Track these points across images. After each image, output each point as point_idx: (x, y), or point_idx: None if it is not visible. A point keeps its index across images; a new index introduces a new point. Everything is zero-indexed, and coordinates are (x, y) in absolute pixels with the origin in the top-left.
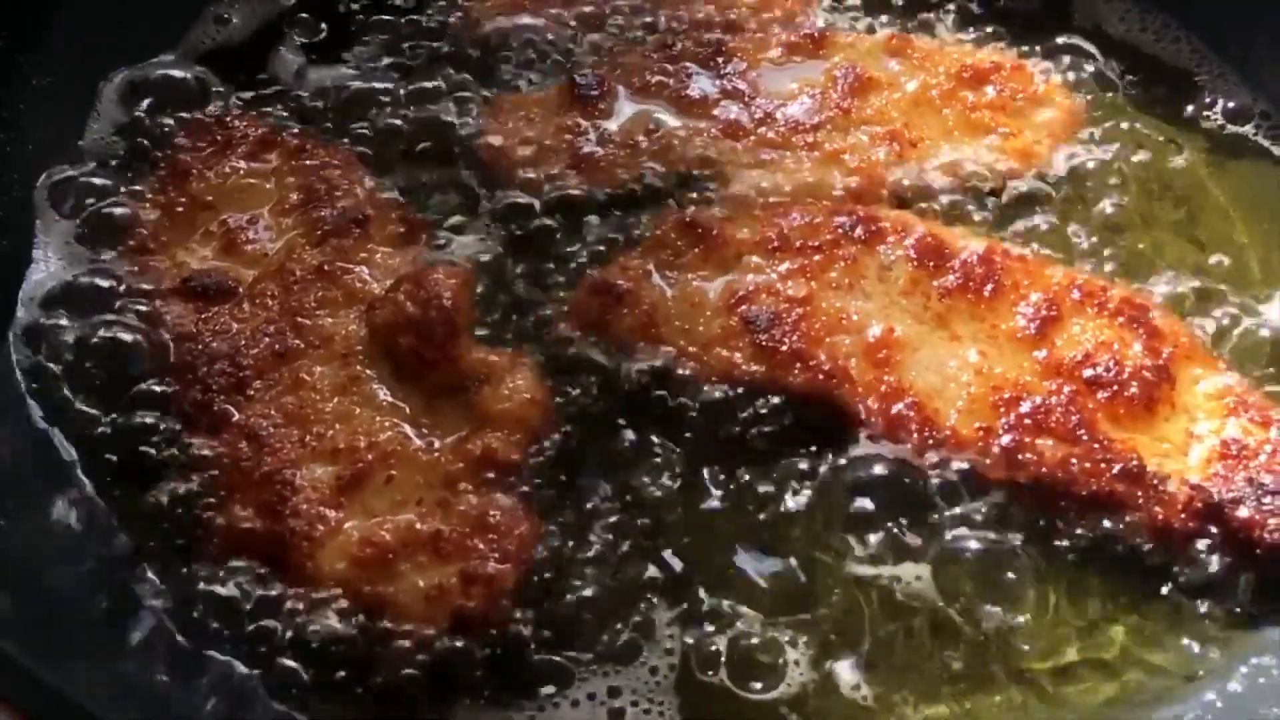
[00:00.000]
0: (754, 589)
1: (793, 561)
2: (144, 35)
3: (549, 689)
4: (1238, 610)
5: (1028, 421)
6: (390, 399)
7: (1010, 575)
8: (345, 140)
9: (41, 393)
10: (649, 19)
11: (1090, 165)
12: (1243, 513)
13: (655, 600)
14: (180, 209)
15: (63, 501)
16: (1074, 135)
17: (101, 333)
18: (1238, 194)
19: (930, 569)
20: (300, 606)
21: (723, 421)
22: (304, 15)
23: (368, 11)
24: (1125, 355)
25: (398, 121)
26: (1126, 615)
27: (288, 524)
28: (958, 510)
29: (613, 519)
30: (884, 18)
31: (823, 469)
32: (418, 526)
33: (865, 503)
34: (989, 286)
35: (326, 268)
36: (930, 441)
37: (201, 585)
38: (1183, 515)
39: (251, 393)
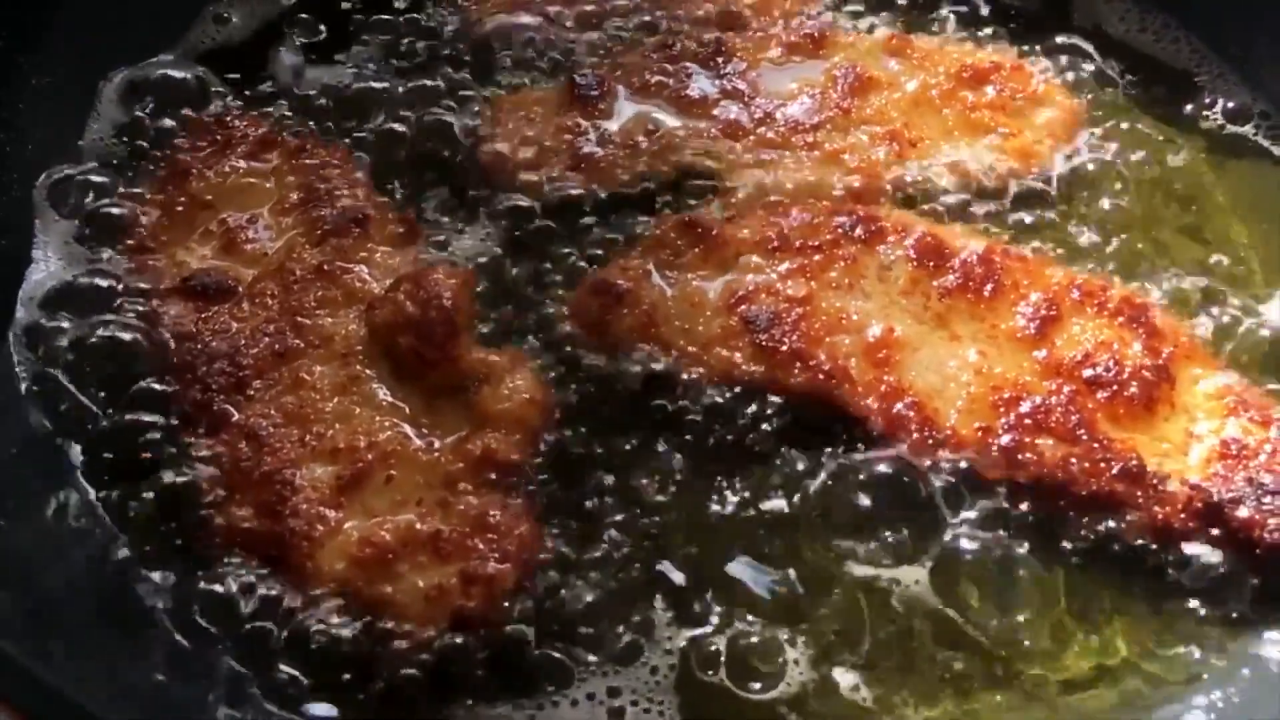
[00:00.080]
0: (753, 589)
1: (792, 562)
2: (144, 35)
3: (549, 688)
4: (1239, 613)
5: (1028, 421)
6: (390, 399)
7: (1010, 576)
8: (345, 140)
9: (41, 393)
10: (649, 19)
11: (1090, 165)
12: (1243, 512)
13: (655, 600)
14: (180, 208)
15: (62, 501)
16: (1074, 135)
17: (101, 332)
18: (1237, 194)
19: (930, 570)
20: (300, 606)
21: (723, 421)
22: (304, 15)
23: (367, 11)
24: (1125, 355)
25: (398, 121)
26: (1127, 617)
27: (287, 524)
28: (958, 511)
29: (612, 519)
30: (884, 15)
31: (823, 469)
32: (418, 526)
33: (865, 503)
34: (989, 286)
35: (326, 267)
36: (930, 441)
37: (201, 585)
38: (1183, 515)
39: (251, 392)
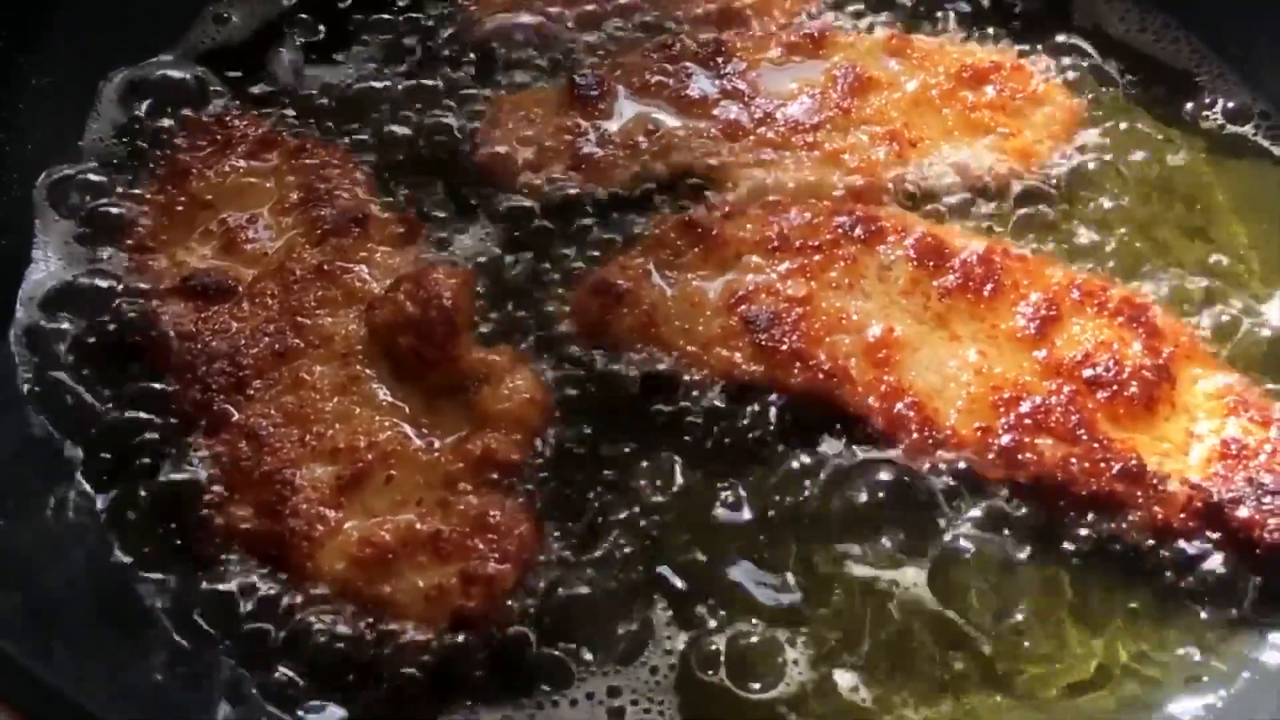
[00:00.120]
0: (753, 590)
1: (792, 562)
2: (144, 35)
3: (549, 688)
4: (1239, 614)
5: (1027, 421)
6: (390, 399)
7: (1010, 577)
8: (345, 140)
9: (41, 392)
10: (649, 19)
11: (1090, 165)
12: (1243, 512)
13: (655, 600)
14: (180, 208)
15: (62, 501)
16: (1074, 135)
17: (101, 332)
18: (1237, 194)
19: (930, 570)
20: (300, 606)
21: (722, 422)
22: (304, 15)
23: (367, 11)
24: (1125, 355)
25: (398, 121)
26: (1127, 618)
27: (287, 524)
28: (958, 511)
29: (612, 518)
30: (884, 15)
31: (823, 470)
32: (418, 526)
33: (865, 503)
34: (989, 286)
35: (326, 267)
36: (930, 441)
37: (201, 585)
38: (1183, 515)
39: (251, 392)
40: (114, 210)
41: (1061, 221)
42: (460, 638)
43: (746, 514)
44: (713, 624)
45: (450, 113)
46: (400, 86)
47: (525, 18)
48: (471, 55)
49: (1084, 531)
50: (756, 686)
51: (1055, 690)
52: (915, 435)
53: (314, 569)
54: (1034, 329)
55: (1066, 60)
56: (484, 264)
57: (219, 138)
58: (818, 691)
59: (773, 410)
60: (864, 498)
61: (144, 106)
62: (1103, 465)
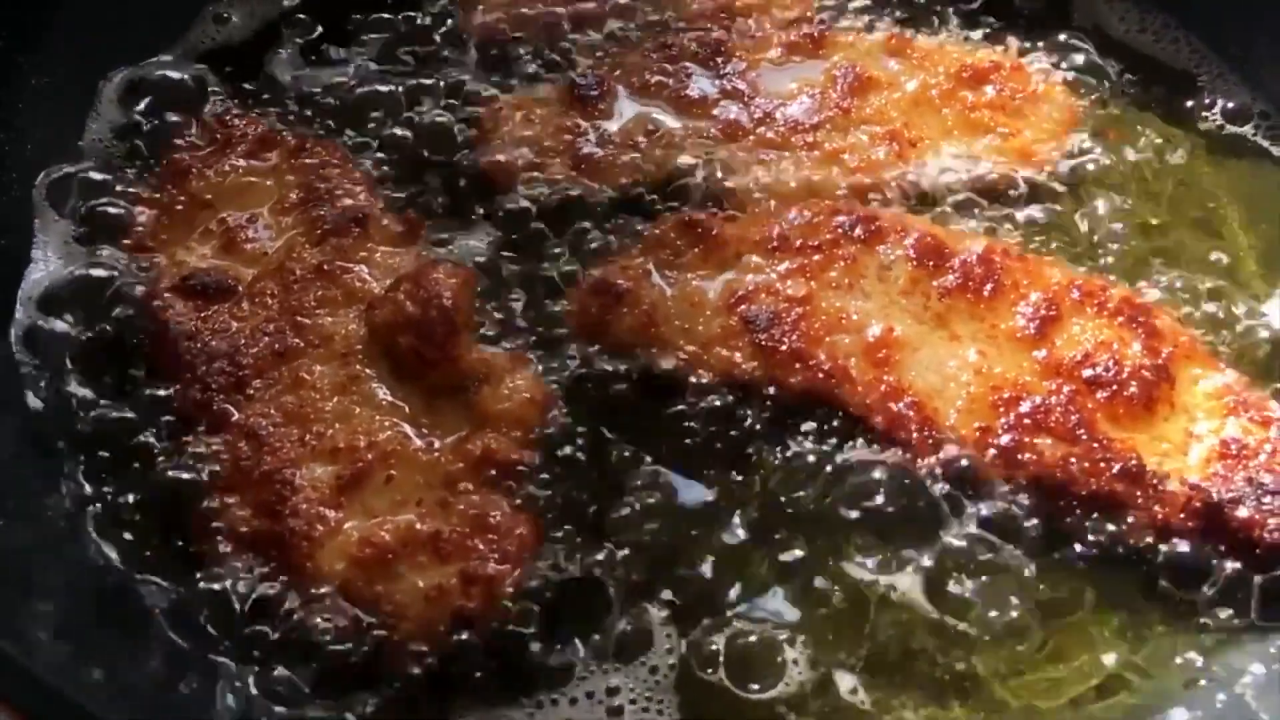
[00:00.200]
0: (753, 589)
1: (792, 563)
2: (143, 35)
3: (549, 688)
4: (1240, 615)
5: (1027, 421)
6: (390, 399)
7: (1009, 577)
8: (345, 140)
9: (40, 392)
10: (649, 19)
11: (1089, 165)
12: (1242, 512)
13: (654, 600)
14: (179, 208)
15: (62, 501)
16: (1073, 135)
17: (100, 332)
18: (1237, 194)
19: (929, 571)
20: (299, 606)
21: (722, 421)
22: (303, 16)
23: (366, 11)
24: (1125, 355)
25: (397, 121)
26: (1126, 619)
27: (287, 524)
28: (957, 512)
29: (612, 518)
30: (884, 14)
31: (822, 470)
32: (417, 527)
33: (865, 503)
34: (988, 286)
35: (326, 267)
36: (930, 441)
37: (201, 585)
38: (1182, 515)
39: (251, 392)
40: (113, 210)
41: (1061, 221)
42: (460, 638)
43: (746, 514)
44: (712, 624)
45: (450, 112)
46: (400, 86)
47: (524, 18)
48: (471, 55)
49: (1083, 532)
50: (756, 686)
51: (1055, 693)
52: (915, 435)
53: (314, 569)
54: (1034, 329)
55: (1066, 60)
56: (484, 264)
57: (219, 137)
58: (817, 692)
59: (772, 410)
60: (864, 498)
61: (144, 106)
62: (1102, 465)
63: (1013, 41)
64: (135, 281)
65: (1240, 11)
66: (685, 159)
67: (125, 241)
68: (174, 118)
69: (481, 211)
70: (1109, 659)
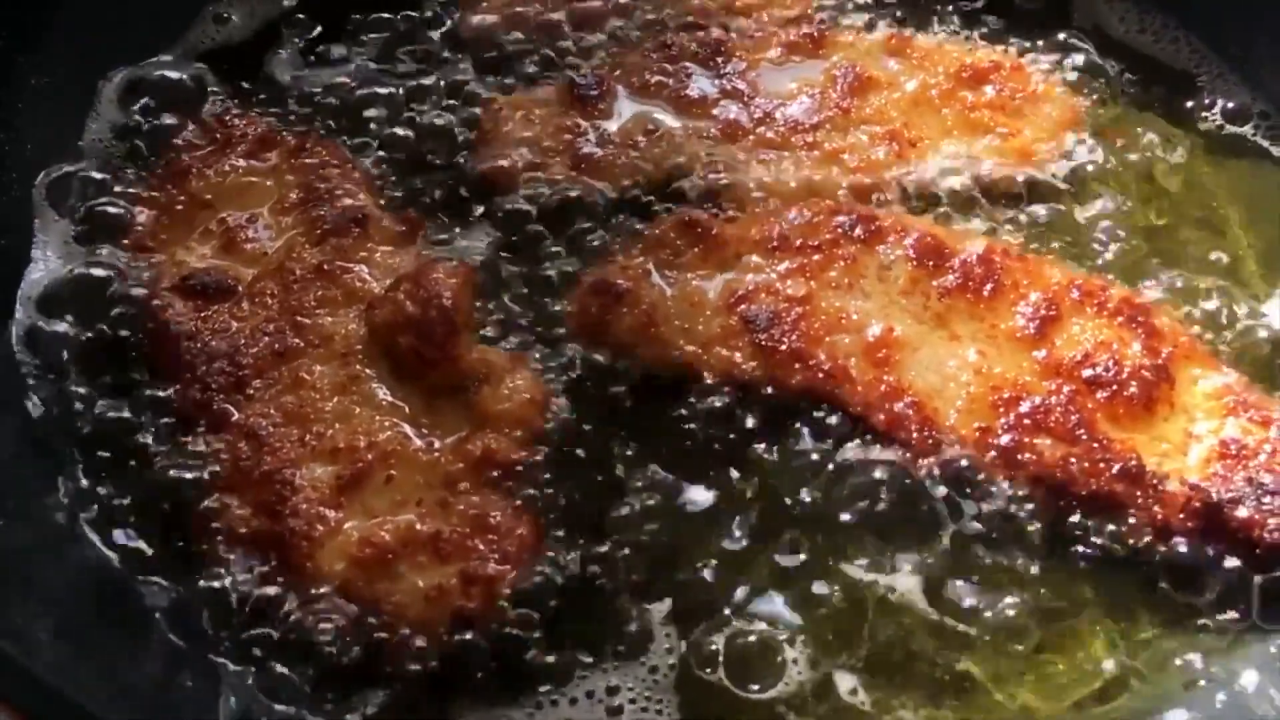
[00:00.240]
0: (752, 589)
1: (791, 563)
2: (143, 35)
3: (548, 687)
4: (1239, 616)
5: (1027, 421)
6: (390, 399)
7: (1009, 579)
8: (345, 140)
9: (40, 392)
10: (649, 19)
11: (1089, 165)
12: (1242, 513)
13: (654, 599)
14: (179, 207)
15: (61, 501)
16: (1073, 135)
17: (100, 331)
18: (1236, 194)
19: (928, 571)
20: (299, 606)
21: (722, 421)
22: (302, 15)
23: (366, 11)
24: (1124, 355)
25: (397, 121)
26: (1127, 620)
27: (287, 524)
28: (957, 512)
29: (612, 518)
30: (884, 14)
31: (822, 470)
32: (417, 527)
33: (865, 503)
34: (988, 286)
35: (326, 267)
36: (930, 441)
37: (201, 585)
38: (1182, 515)
39: (251, 392)
40: (113, 210)
41: (1061, 221)
42: (460, 638)
43: (746, 514)
44: (712, 624)
45: (450, 112)
46: (400, 86)
47: (524, 17)
48: (471, 54)
49: (1083, 532)
50: (755, 686)
51: (1054, 694)
52: (915, 435)
53: (314, 569)
54: (1033, 329)
55: (1066, 60)
56: (484, 264)
57: (218, 137)
58: (817, 692)
59: (772, 410)
60: (863, 498)
61: (143, 106)
62: (1102, 465)
63: (1012, 41)
64: (135, 281)
65: (1240, 11)
66: (685, 159)
67: (125, 241)
68: (173, 118)
69: (481, 211)
70: (1108, 660)
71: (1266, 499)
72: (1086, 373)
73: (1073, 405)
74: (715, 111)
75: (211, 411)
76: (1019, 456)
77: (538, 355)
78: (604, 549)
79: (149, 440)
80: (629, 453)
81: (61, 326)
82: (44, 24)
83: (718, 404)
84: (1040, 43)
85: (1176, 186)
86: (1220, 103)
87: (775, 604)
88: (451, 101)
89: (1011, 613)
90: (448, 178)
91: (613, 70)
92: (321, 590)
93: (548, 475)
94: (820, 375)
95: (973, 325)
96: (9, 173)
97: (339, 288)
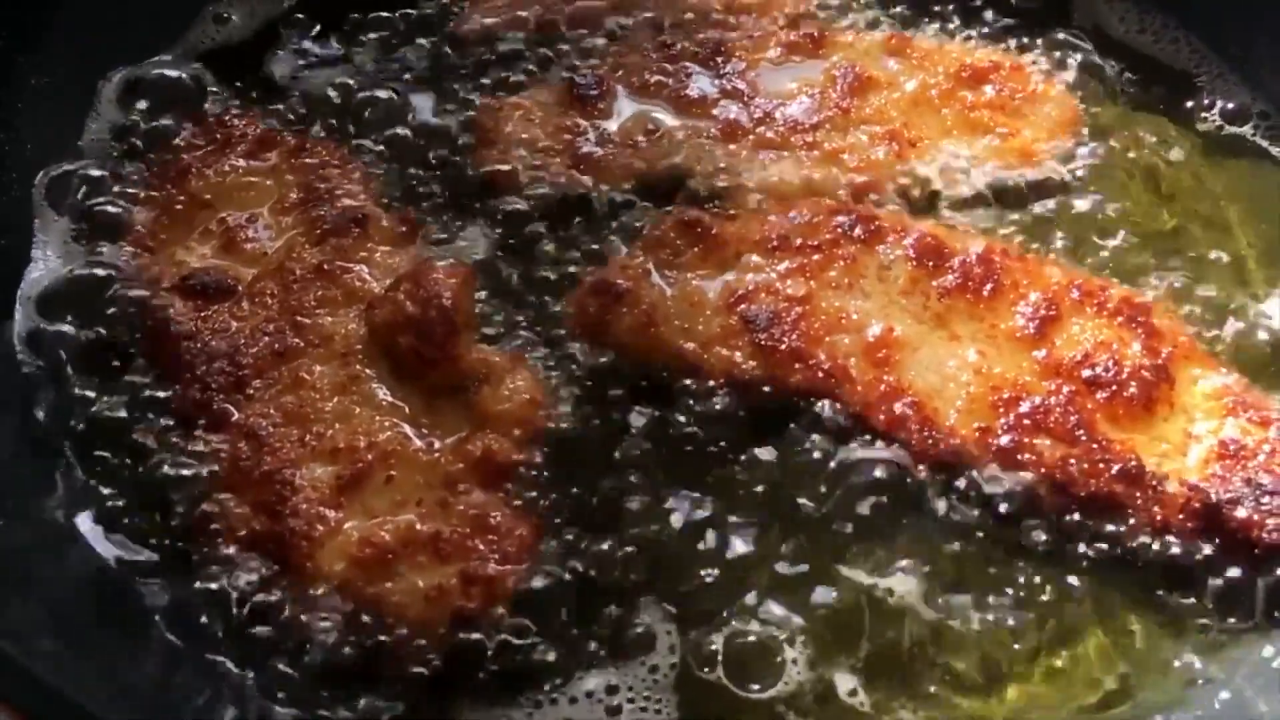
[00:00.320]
0: (752, 589)
1: (790, 563)
2: (143, 35)
3: (548, 687)
4: (1238, 616)
5: (1026, 421)
6: (390, 399)
7: (1008, 579)
8: (344, 139)
9: (40, 391)
10: (648, 18)
11: (1089, 165)
12: (1241, 513)
13: (654, 599)
14: (179, 207)
15: (61, 501)
16: (1072, 135)
17: (100, 331)
18: (1236, 194)
19: (927, 572)
20: (299, 606)
21: (722, 421)
22: (302, 15)
23: (366, 11)
24: (1124, 355)
25: (397, 120)
26: (1125, 619)
27: (287, 524)
28: (957, 512)
29: (611, 518)
30: (884, 14)
31: (823, 469)
32: (417, 527)
33: (864, 503)
34: (988, 286)
35: (326, 267)
36: (929, 441)
37: (200, 585)
38: (1181, 516)
39: (251, 392)
40: (113, 209)
41: (1060, 221)
42: (460, 637)
43: (746, 514)
44: (712, 623)
45: (449, 112)
46: (400, 85)
47: (524, 17)
48: (471, 54)
49: (1083, 534)
50: (755, 686)
51: (1054, 692)
52: (915, 435)
53: (314, 569)
54: (1033, 329)
55: (1066, 60)
56: (484, 264)
57: (218, 137)
58: (816, 692)
59: (772, 410)
60: (863, 498)
61: (143, 106)
62: (1101, 466)
63: (1012, 41)
64: (135, 281)
65: (1240, 11)
66: (685, 159)
67: (125, 241)
68: (173, 118)
69: (481, 211)
70: (1108, 661)
71: (1265, 499)
72: (1086, 373)
73: (1072, 405)
74: (715, 111)
75: (211, 411)
76: (1019, 456)
77: (538, 355)
78: (604, 548)
79: (148, 440)
80: (629, 453)
81: (61, 326)
82: (44, 24)
83: (717, 404)
84: (1040, 42)
85: (1176, 187)
86: (1220, 103)
87: (775, 604)
88: (451, 102)
89: (1011, 613)
90: (448, 178)
91: (613, 70)
92: (321, 590)
93: (548, 475)
94: (820, 375)
95: (973, 325)
96: (9, 173)
97: (339, 288)
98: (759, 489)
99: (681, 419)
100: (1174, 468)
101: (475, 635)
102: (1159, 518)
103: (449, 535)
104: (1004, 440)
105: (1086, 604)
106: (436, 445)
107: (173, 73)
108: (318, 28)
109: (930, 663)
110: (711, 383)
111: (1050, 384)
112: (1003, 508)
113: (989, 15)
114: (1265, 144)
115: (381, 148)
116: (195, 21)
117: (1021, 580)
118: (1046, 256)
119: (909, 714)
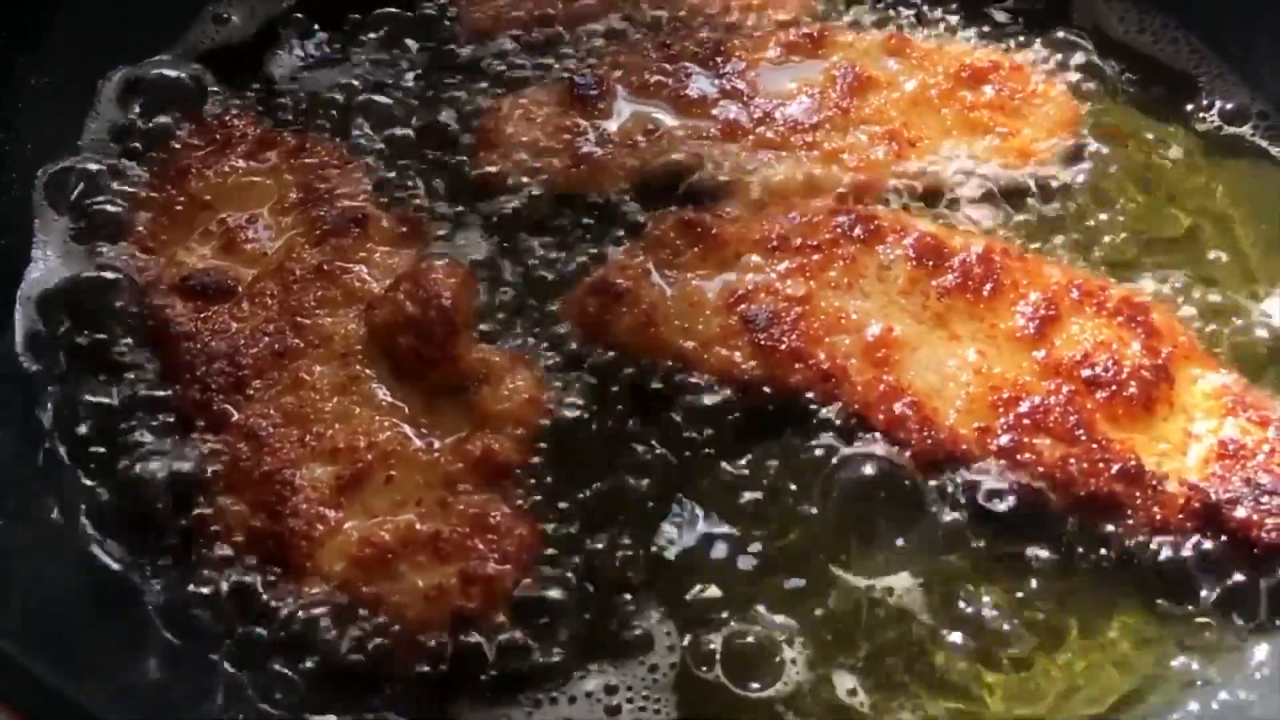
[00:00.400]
0: (751, 589)
1: (790, 563)
2: (143, 35)
3: (548, 686)
4: (1238, 616)
5: (1026, 421)
6: (390, 399)
7: (1008, 579)
8: (345, 140)
9: (40, 392)
10: (648, 18)
11: (1088, 165)
12: (1240, 513)
13: (653, 599)
14: (179, 208)
15: (61, 501)
16: (1072, 135)
17: (100, 331)
18: (1235, 194)
19: (927, 572)
20: (299, 606)
21: (721, 421)
22: (301, 15)
23: (366, 11)
24: (1124, 355)
25: (397, 121)
26: (1124, 619)
27: (287, 524)
28: (956, 512)
29: (611, 518)
30: (884, 14)
31: (822, 469)
32: (417, 527)
33: (863, 504)
34: (988, 286)
35: (326, 267)
36: (929, 441)
37: (200, 585)
38: (1180, 515)
39: (251, 392)
40: (113, 209)
41: (1060, 221)
42: (459, 637)
43: (745, 515)
44: (711, 623)
45: (450, 112)
46: (399, 85)
47: (524, 17)
48: (469, 55)
49: (1082, 533)
50: (755, 686)
51: (1053, 693)
52: (914, 435)
53: (313, 569)
54: (1033, 329)
55: (1065, 60)
56: (484, 264)
57: (218, 137)
58: (815, 691)
59: (772, 410)
60: (862, 498)
61: (143, 106)
62: (1101, 465)
63: (1012, 41)
64: (135, 281)
65: (1240, 11)
66: (685, 159)
67: (125, 242)
68: (173, 118)
69: (481, 211)
70: (1107, 661)
71: (1264, 499)
72: (1086, 373)
73: (1072, 405)
74: (715, 111)
75: (211, 412)
76: (1018, 456)
77: (538, 355)
78: (603, 548)
79: (148, 440)
80: (628, 452)
81: (61, 326)
82: (44, 24)
83: (717, 403)
84: (1040, 42)
85: (1176, 187)
86: (1219, 103)
87: (774, 603)
88: (451, 100)
89: (1010, 613)
90: (448, 178)
91: (613, 70)
92: (321, 590)
93: (547, 475)
94: (820, 375)
95: (972, 325)
96: (9, 172)
97: (339, 288)
98: (759, 489)
99: (681, 419)
100: (1174, 467)
101: (475, 635)
102: (1159, 517)
103: (449, 535)
104: (1004, 440)
105: (1086, 603)
106: (436, 445)
107: (172, 73)
108: (317, 28)
109: (929, 662)
110: (711, 382)
111: (1050, 384)
112: (1002, 507)
113: (988, 15)
114: (1265, 144)
115: (381, 147)
116: (195, 21)
117: (1021, 580)
118: (1046, 256)
119: (908, 714)
